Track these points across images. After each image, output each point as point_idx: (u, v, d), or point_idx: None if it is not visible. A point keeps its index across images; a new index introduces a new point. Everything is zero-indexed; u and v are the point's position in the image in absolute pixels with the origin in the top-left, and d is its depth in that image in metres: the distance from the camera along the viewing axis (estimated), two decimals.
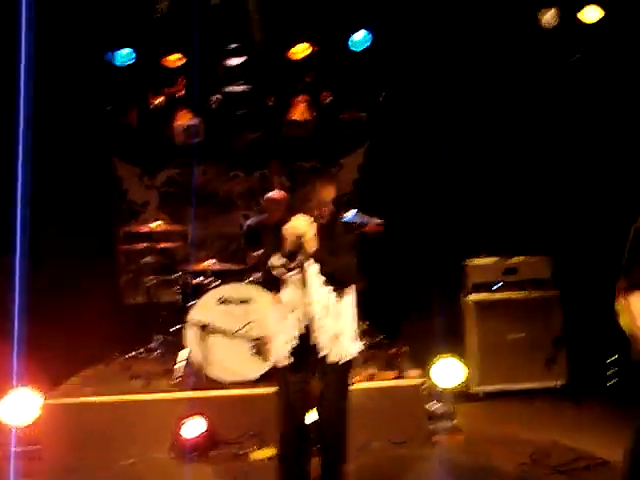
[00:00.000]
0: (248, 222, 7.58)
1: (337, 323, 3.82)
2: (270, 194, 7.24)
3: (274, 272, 3.75)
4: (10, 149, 4.84)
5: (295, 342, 3.84)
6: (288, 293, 3.80)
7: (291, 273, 3.75)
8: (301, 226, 3.65)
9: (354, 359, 4.05)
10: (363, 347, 3.96)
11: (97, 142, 8.38)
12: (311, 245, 3.63)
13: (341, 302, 3.84)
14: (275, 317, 3.89)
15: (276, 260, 3.72)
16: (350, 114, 8.36)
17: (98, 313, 7.50)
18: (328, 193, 3.89)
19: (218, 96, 8.00)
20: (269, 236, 3.93)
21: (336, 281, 3.79)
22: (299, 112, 8.20)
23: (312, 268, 3.72)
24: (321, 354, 3.80)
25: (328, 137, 8.70)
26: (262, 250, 4.11)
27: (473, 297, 6.91)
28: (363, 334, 6.77)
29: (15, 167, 4.74)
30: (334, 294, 3.80)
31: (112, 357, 7.37)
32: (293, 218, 3.70)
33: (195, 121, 8.15)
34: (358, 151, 9.09)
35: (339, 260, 3.77)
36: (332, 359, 3.86)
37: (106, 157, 8.84)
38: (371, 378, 6.09)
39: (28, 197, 4.79)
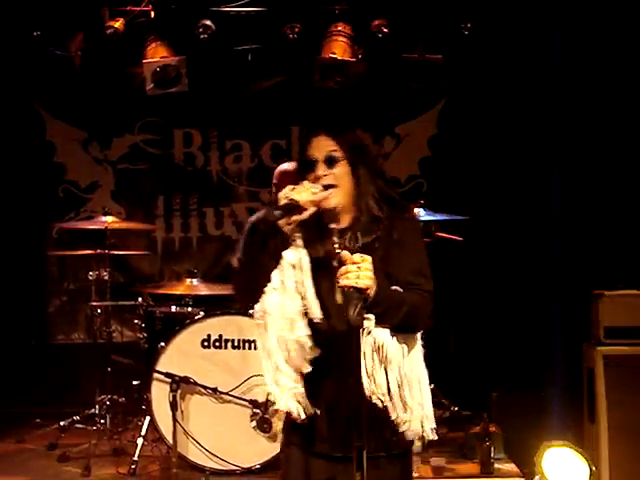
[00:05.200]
0: (252, 219, 7.48)
1: (400, 376, 3.61)
2: (283, 166, 7.18)
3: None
4: None
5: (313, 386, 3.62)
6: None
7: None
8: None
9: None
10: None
11: (17, 86, 8.42)
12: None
13: (407, 348, 3.64)
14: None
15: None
16: (417, 55, 8.14)
17: (10, 356, 7.55)
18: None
19: (208, 22, 7.84)
20: (284, 242, 3.73)
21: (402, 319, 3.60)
22: (337, 50, 8.02)
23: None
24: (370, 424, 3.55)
25: (381, 91, 8.68)
26: None
27: (606, 349, 6.68)
28: None
29: None
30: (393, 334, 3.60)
31: (30, 426, 7.44)
32: None
33: (174, 60, 8.01)
34: (427, 115, 9.10)
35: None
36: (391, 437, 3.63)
37: (30, 110, 8.86)
38: (438, 473, 6.03)
39: None
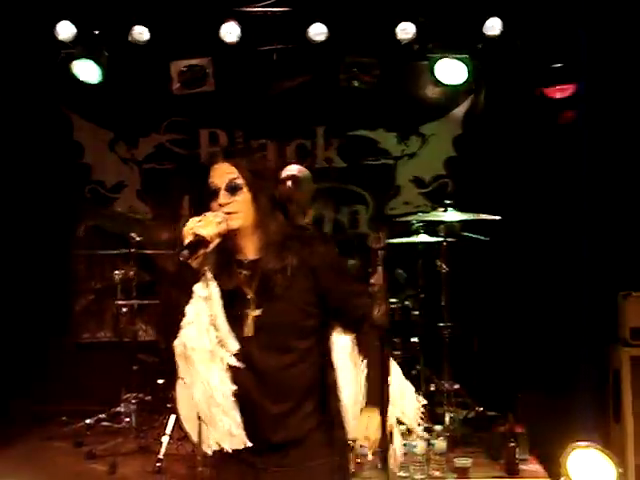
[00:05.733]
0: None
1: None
2: (287, 170, 7.28)
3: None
4: None
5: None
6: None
7: None
8: None
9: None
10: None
11: (44, 87, 8.40)
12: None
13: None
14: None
15: None
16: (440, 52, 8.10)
17: (36, 356, 7.55)
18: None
19: (233, 22, 7.82)
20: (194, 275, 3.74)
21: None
22: None
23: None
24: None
25: (406, 90, 8.65)
26: None
27: (632, 350, 6.70)
28: (451, 404, 6.79)
29: None
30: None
31: (56, 424, 7.43)
32: None
33: (200, 60, 8.03)
34: (452, 115, 9.05)
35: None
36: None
37: (58, 111, 8.87)
38: (462, 474, 6.06)
39: None
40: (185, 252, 3.30)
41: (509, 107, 8.40)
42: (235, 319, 3.53)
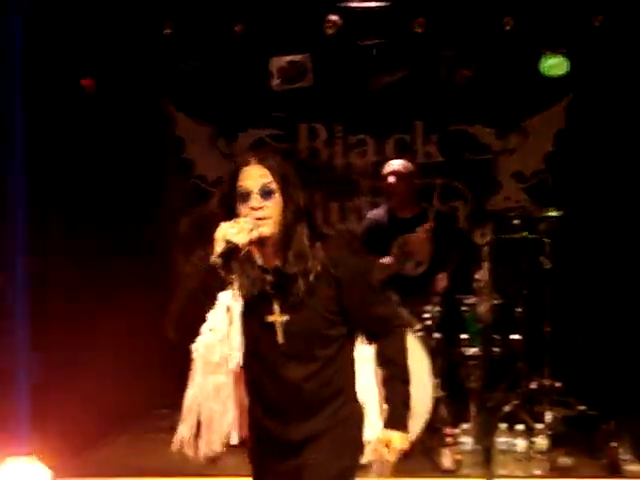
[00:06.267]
0: (368, 215, 7.77)
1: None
2: (390, 164, 7.28)
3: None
4: None
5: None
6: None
7: None
8: None
9: None
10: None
11: (146, 83, 8.52)
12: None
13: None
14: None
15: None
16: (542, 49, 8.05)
17: (139, 352, 7.65)
18: None
19: (335, 17, 7.84)
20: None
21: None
22: None
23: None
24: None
25: (507, 86, 8.59)
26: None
27: None
28: (552, 402, 6.74)
29: None
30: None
31: (158, 417, 7.57)
32: None
33: (300, 55, 8.07)
34: (553, 109, 8.93)
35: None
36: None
37: (158, 107, 9.02)
38: (565, 473, 6.03)
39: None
40: (219, 260, 3.26)
41: (611, 101, 8.29)
42: (258, 327, 3.55)
